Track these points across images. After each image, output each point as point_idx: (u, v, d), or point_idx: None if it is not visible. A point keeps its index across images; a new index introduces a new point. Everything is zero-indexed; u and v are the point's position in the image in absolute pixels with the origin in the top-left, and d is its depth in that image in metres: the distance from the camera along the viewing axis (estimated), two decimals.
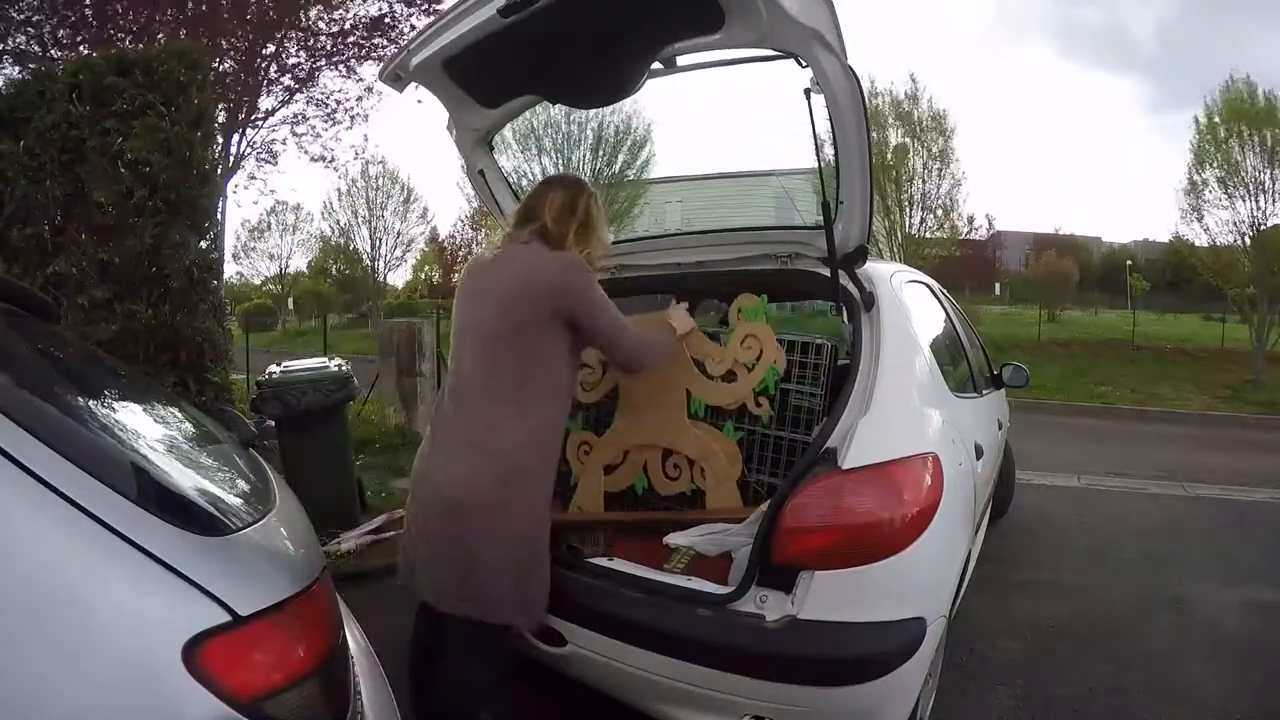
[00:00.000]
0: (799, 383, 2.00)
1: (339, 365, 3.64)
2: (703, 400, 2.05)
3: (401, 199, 26.03)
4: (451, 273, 29.20)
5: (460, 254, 28.82)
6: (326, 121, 10.23)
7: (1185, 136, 14.37)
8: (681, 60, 1.82)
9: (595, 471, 2.15)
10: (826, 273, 1.88)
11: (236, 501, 1.06)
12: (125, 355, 3.53)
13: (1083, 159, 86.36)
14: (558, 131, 16.62)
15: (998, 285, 27.97)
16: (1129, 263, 27.89)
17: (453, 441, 1.64)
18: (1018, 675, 2.38)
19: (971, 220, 19.64)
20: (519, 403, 1.58)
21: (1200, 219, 12.95)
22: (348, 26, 9.54)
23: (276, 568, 0.93)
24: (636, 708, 1.69)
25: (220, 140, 8.45)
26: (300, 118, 10.09)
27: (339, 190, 25.39)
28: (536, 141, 16.63)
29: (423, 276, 31.23)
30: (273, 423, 3.39)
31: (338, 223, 26.48)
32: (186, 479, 1.03)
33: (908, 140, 15.52)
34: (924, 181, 15.52)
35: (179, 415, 1.38)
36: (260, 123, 9.79)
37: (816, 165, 1.78)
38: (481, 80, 1.92)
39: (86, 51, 7.35)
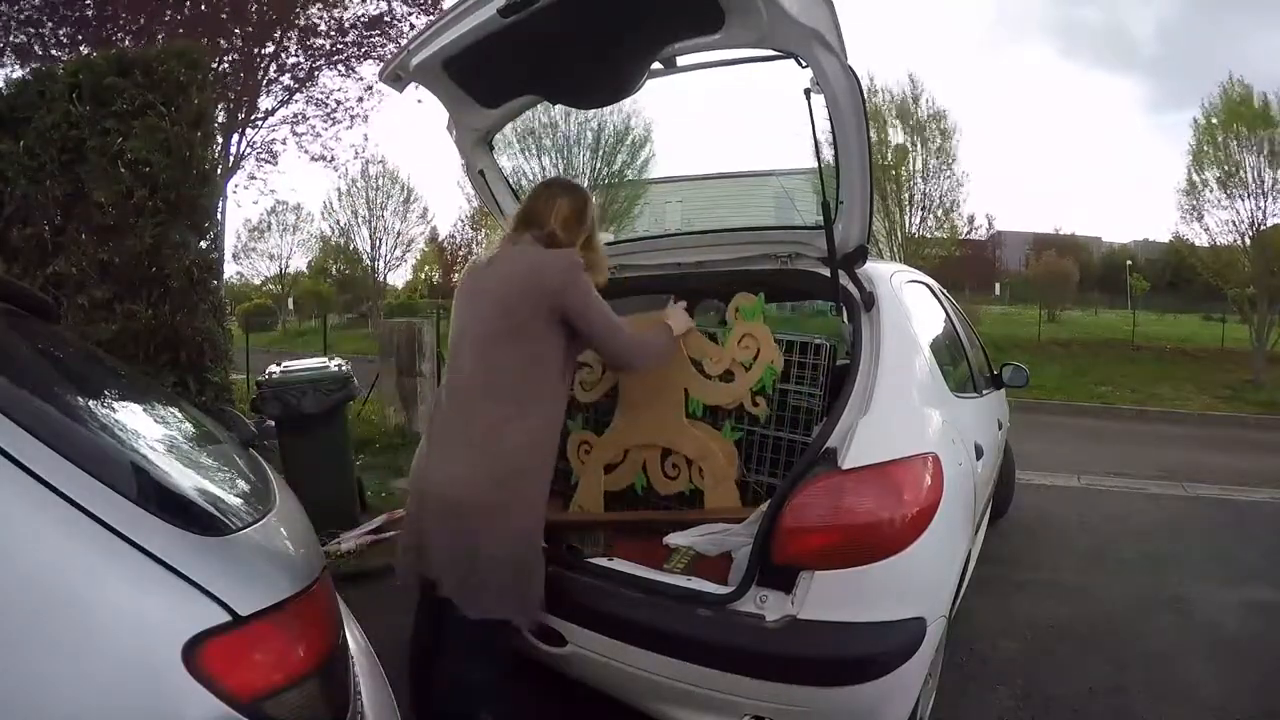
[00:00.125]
0: (798, 383, 2.00)
1: (339, 365, 3.65)
2: (700, 400, 2.05)
3: (401, 199, 26.02)
4: (451, 272, 29.19)
5: (460, 254, 28.81)
6: (326, 121, 10.25)
7: (1185, 137, 14.37)
8: (681, 60, 1.82)
9: (595, 471, 2.15)
10: (826, 273, 1.88)
11: (236, 501, 1.06)
12: (125, 355, 3.54)
13: (1083, 159, 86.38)
14: (557, 131, 16.62)
15: (998, 285, 27.96)
16: (1129, 263, 27.87)
17: (452, 442, 1.64)
18: (1018, 675, 2.38)
19: (971, 220, 19.65)
20: (519, 403, 1.59)
21: (1200, 219, 12.96)
22: (347, 25, 9.55)
23: (276, 568, 0.93)
24: (636, 708, 1.69)
25: (220, 140, 8.45)
26: (300, 117, 10.12)
27: (339, 190, 25.39)
28: (536, 141, 16.63)
29: (423, 276, 31.22)
30: (273, 423, 3.39)
31: (338, 223, 26.48)
32: (186, 479, 1.03)
33: (908, 140, 15.51)
34: (924, 181, 15.52)
35: (179, 415, 1.38)
36: (260, 123, 9.81)
37: (816, 165, 1.78)
38: (481, 80, 1.92)
39: (86, 51, 7.35)
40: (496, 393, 1.60)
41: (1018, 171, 69.66)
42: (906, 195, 15.41)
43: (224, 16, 8.44)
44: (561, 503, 2.16)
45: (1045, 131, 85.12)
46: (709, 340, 2.08)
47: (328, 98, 10.09)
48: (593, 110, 14.25)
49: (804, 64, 1.58)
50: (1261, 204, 12.14)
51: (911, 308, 2.06)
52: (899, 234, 15.40)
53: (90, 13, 8.08)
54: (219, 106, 8.08)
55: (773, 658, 1.45)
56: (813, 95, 1.61)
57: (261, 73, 9.41)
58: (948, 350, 2.49)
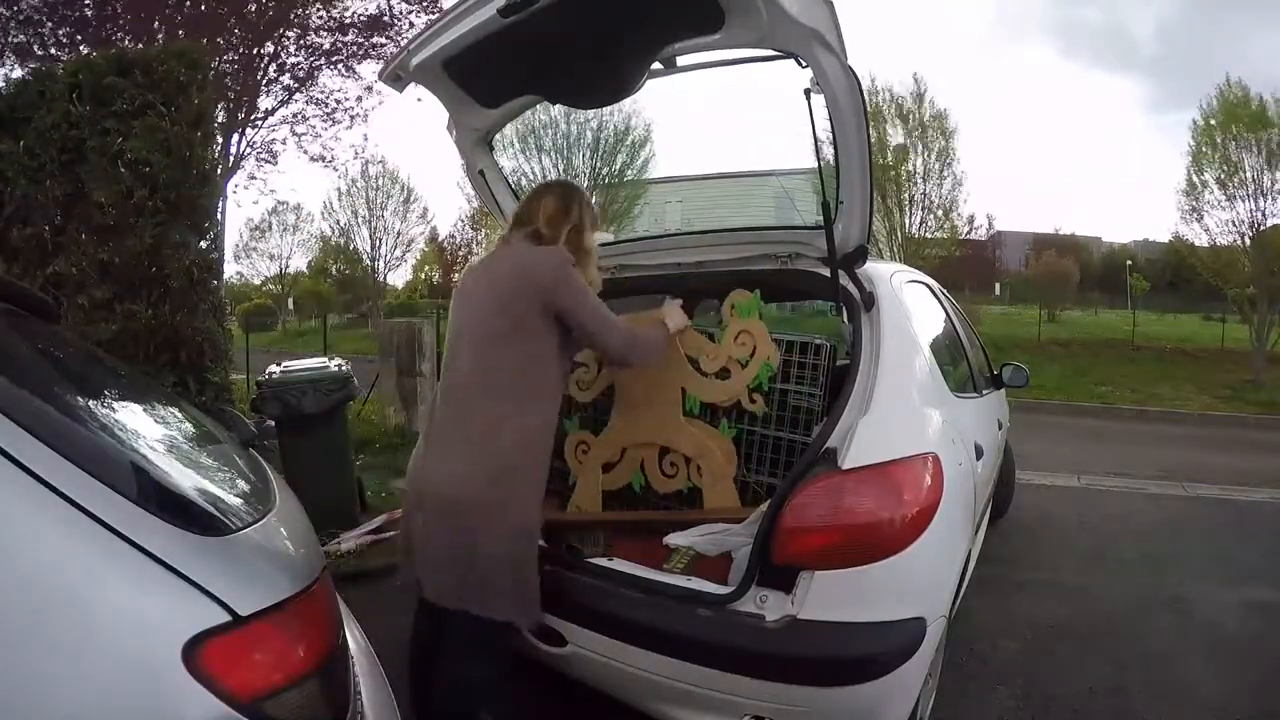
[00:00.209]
0: (798, 383, 2.00)
1: (339, 365, 3.65)
2: (697, 397, 2.05)
3: (401, 199, 26.02)
4: (451, 272, 29.18)
5: (460, 254, 28.80)
6: (326, 121, 10.25)
7: (1185, 137, 14.33)
8: (681, 60, 1.82)
9: (593, 470, 2.15)
10: (826, 273, 1.88)
11: (236, 501, 1.06)
12: (125, 355, 3.54)
13: (1083, 159, 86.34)
14: (557, 131, 16.62)
15: (998, 285, 27.95)
16: (1129, 263, 27.86)
17: (451, 440, 1.65)
18: (1018, 675, 2.38)
19: (971, 220, 19.61)
20: (517, 401, 1.60)
21: (1200, 219, 12.96)
22: (346, 24, 9.55)
23: (276, 568, 0.93)
24: (636, 708, 1.69)
25: (220, 140, 8.46)
26: (300, 117, 10.13)
27: (339, 190, 25.39)
28: (536, 141, 16.63)
29: (423, 276, 31.22)
30: (273, 423, 3.39)
31: (338, 223, 26.49)
32: (186, 479, 1.03)
33: (908, 140, 15.51)
34: (924, 181, 15.52)
35: (179, 415, 1.38)
36: (260, 122, 9.82)
37: (816, 165, 1.78)
38: (481, 80, 1.92)
39: (86, 51, 7.35)
40: (494, 391, 1.61)
41: (1018, 171, 69.72)
42: (906, 195, 15.41)
43: (223, 12, 8.43)
44: (559, 503, 2.16)
45: (1045, 131, 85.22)
46: (705, 338, 2.08)
47: (327, 98, 10.11)
48: (593, 110, 14.26)
49: (804, 64, 1.58)
50: (1261, 204, 12.16)
51: (911, 308, 2.06)
52: (899, 234, 15.40)
53: (90, 13, 8.08)
54: (219, 106, 8.09)
55: (773, 658, 1.45)
56: (813, 95, 1.61)
57: (261, 73, 9.42)
58: (948, 350, 2.49)
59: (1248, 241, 12.30)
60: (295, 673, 0.86)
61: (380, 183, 25.47)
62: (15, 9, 7.92)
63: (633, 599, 1.62)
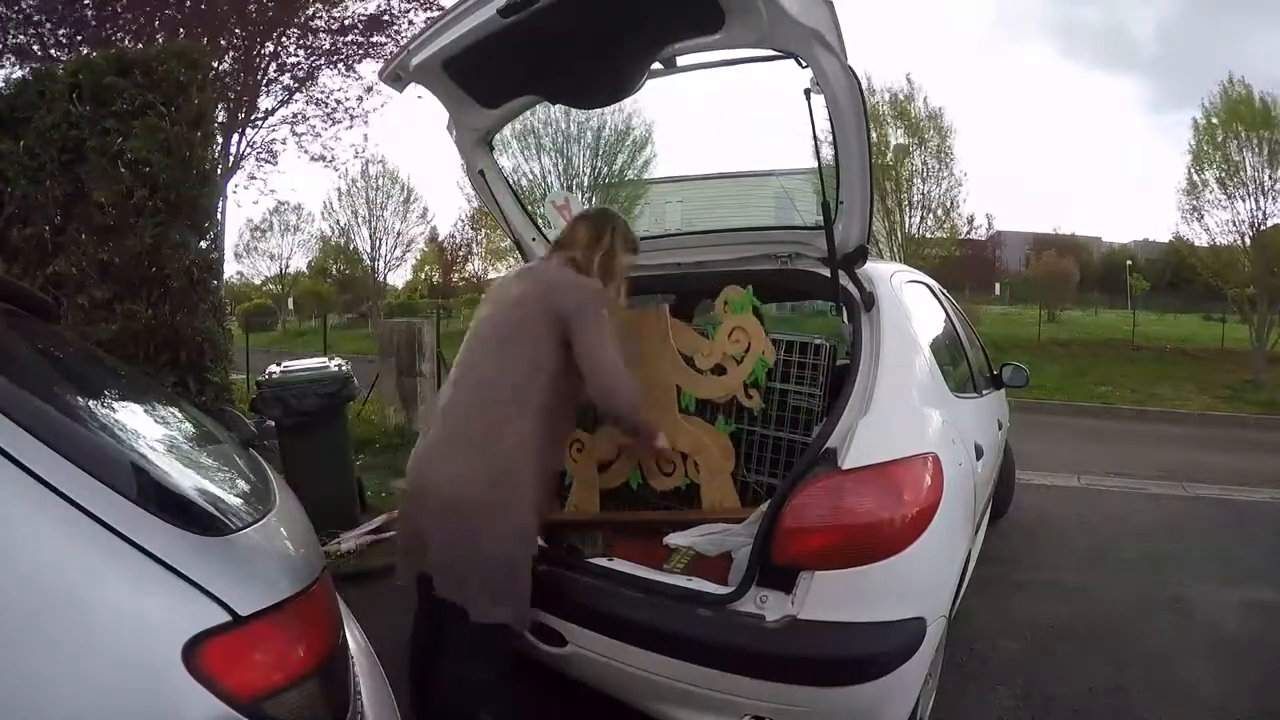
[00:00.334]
0: (798, 383, 2.00)
1: (339, 365, 3.65)
2: (692, 394, 2.05)
3: (401, 199, 26.04)
4: (451, 272, 29.19)
5: (460, 254, 28.80)
6: (326, 121, 10.24)
7: (1185, 137, 14.36)
8: (681, 60, 1.82)
9: (589, 469, 2.15)
10: (826, 273, 1.89)
11: (236, 501, 1.05)
12: (125, 355, 3.53)
13: (1083, 159, 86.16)
14: (558, 131, 16.62)
15: (998, 285, 27.93)
16: (1129, 263, 27.85)
17: (454, 439, 1.65)
18: (1018, 675, 2.38)
19: (971, 220, 19.59)
20: (518, 404, 1.61)
21: (1200, 219, 12.96)
22: (346, 24, 9.54)
23: (276, 568, 0.93)
24: (636, 708, 1.69)
25: (220, 140, 8.45)
26: (300, 117, 10.11)
27: (339, 190, 25.42)
28: (536, 140, 16.64)
29: (423, 276, 31.20)
30: (273, 423, 3.39)
31: (338, 223, 26.51)
32: (186, 479, 1.03)
33: (907, 140, 15.51)
34: (924, 181, 15.52)
35: (179, 415, 1.38)
36: (260, 122, 9.80)
37: (816, 165, 1.78)
38: (481, 80, 1.92)
39: (86, 51, 7.34)
40: (502, 395, 1.63)
41: (1018, 171, 69.60)
42: (906, 195, 15.40)
43: (223, 11, 8.42)
44: (557, 503, 2.16)
45: (1045, 131, 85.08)
46: (699, 335, 2.08)
47: (328, 98, 10.09)
48: (593, 110, 14.25)
49: (804, 64, 1.58)
50: (1261, 204, 12.15)
51: (911, 308, 2.06)
52: (899, 234, 15.40)
53: (90, 12, 8.08)
54: (219, 106, 8.09)
55: (773, 658, 1.45)
56: (813, 95, 1.61)
57: (261, 72, 9.40)
58: (948, 350, 2.49)
59: (1248, 241, 12.29)
60: (295, 673, 0.86)
61: (380, 183, 25.52)
62: (16, 9, 7.92)
63: (633, 599, 1.63)
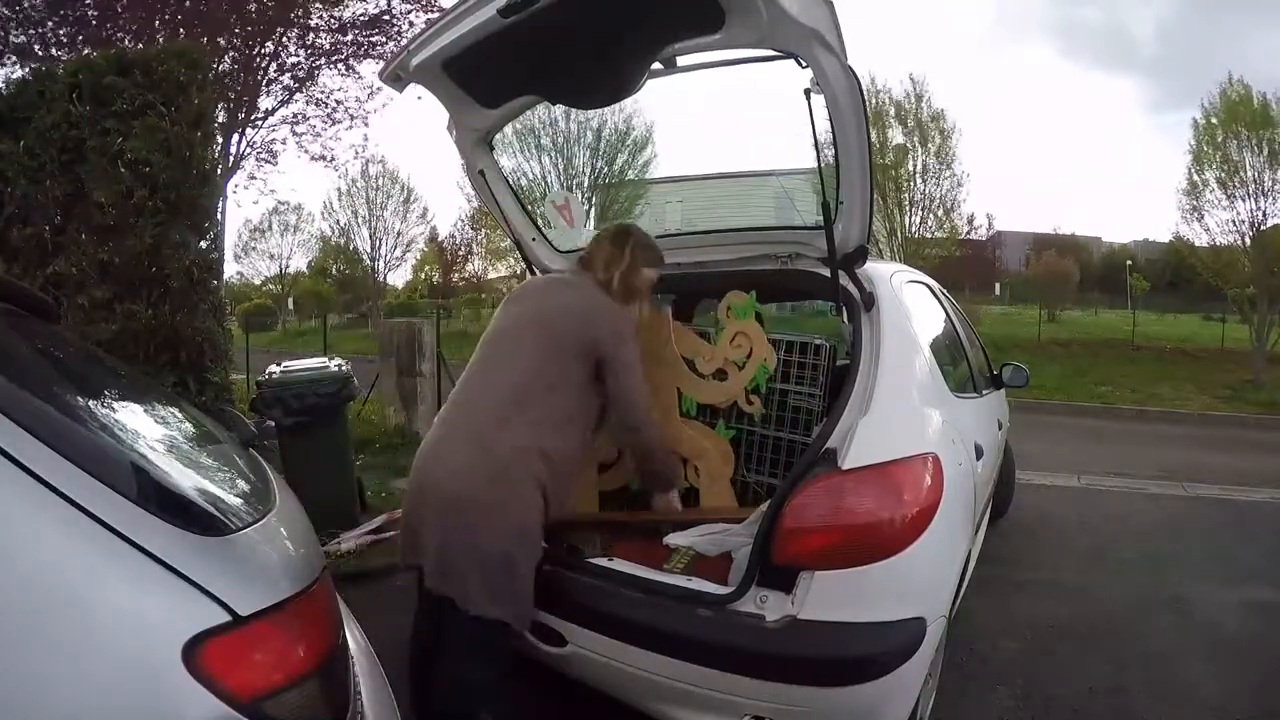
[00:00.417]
0: (798, 383, 2.00)
1: (339, 365, 3.65)
2: (694, 398, 2.05)
3: (401, 199, 26.02)
4: (451, 272, 29.19)
5: (460, 254, 28.80)
6: (326, 121, 10.24)
7: (1185, 136, 14.36)
8: (681, 60, 1.82)
9: (589, 470, 2.15)
10: (826, 273, 1.88)
11: (236, 501, 1.05)
12: (125, 355, 3.53)
13: (1083, 159, 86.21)
14: (558, 131, 16.63)
15: (998, 285, 27.92)
16: (1129, 263, 27.84)
17: (456, 437, 1.67)
18: (1018, 675, 2.38)
19: (971, 220, 19.62)
20: (520, 406, 1.63)
21: (1200, 219, 12.97)
22: (346, 24, 9.54)
23: (276, 568, 0.93)
24: (636, 708, 1.69)
25: (220, 140, 8.45)
26: (300, 117, 10.11)
27: (339, 190, 25.40)
28: (536, 141, 16.64)
29: (423, 276, 31.20)
30: (273, 423, 3.38)
31: (338, 223, 26.50)
32: (186, 479, 1.03)
33: (908, 140, 15.51)
34: (924, 182, 15.53)
35: (179, 415, 1.38)
36: (260, 122, 9.80)
37: (816, 165, 1.78)
38: (481, 80, 1.92)
39: (86, 51, 7.34)
40: (506, 396, 1.65)
41: (1018, 171, 69.59)
42: (906, 195, 15.41)
43: (223, 9, 8.41)
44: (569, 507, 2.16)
45: (1045, 131, 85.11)
46: (702, 339, 2.08)
47: (328, 98, 10.09)
48: (593, 110, 14.26)
49: (804, 64, 1.58)
50: (1261, 204, 12.15)
51: (911, 308, 2.06)
52: (899, 234, 15.40)
53: (91, 12, 8.08)
54: (219, 106, 8.08)
55: (773, 658, 1.45)
56: (813, 95, 1.61)
57: (261, 72, 9.40)
58: (948, 350, 2.49)
59: (1248, 241, 12.30)
60: (295, 673, 0.86)
61: (380, 183, 25.51)
62: (17, 9, 7.92)
63: (633, 599, 1.63)
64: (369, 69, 9.76)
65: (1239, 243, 12.49)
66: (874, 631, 1.45)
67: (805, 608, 1.46)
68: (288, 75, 9.71)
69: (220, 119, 8.34)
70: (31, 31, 8.07)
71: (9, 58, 7.98)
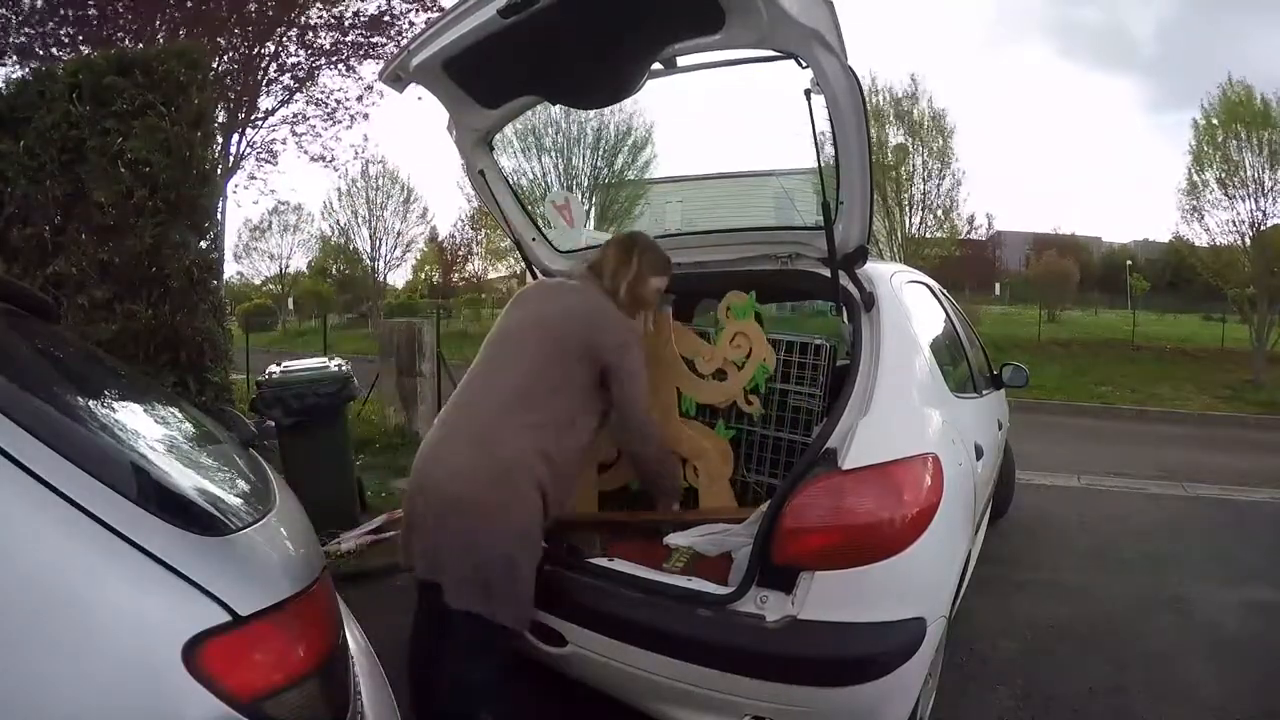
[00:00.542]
0: (798, 383, 2.00)
1: (339, 365, 3.65)
2: (693, 399, 2.05)
3: (401, 199, 26.02)
4: (451, 272, 29.20)
5: (460, 254, 28.81)
6: (326, 121, 10.25)
7: (1185, 136, 14.37)
8: (682, 61, 1.82)
9: (589, 470, 2.15)
10: (826, 273, 1.88)
11: (236, 501, 1.05)
12: (125, 355, 3.53)
13: (1083, 159, 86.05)
14: (558, 131, 16.63)
15: (998, 285, 27.92)
16: (1129, 263, 27.83)
17: (457, 438, 1.67)
18: (1018, 675, 2.38)
19: (971, 220, 19.62)
20: (525, 410, 1.63)
21: (1200, 219, 12.96)
22: (346, 24, 9.54)
23: (276, 568, 0.93)
24: (636, 708, 1.69)
25: (220, 140, 8.45)
26: (300, 117, 10.12)
27: (339, 190, 25.39)
28: (536, 140, 16.64)
29: (423, 276, 31.20)
30: (273, 423, 3.39)
31: (338, 223, 26.50)
32: (186, 479, 1.03)
33: (908, 140, 15.51)
34: (924, 181, 15.53)
35: (179, 415, 1.38)
36: (260, 123, 9.80)
37: (816, 165, 1.78)
38: (481, 81, 1.92)
39: (87, 51, 7.34)
40: (508, 399, 1.65)
41: (1018, 171, 69.53)
42: (906, 195, 15.41)
43: (223, 9, 8.42)
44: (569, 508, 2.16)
45: (1045, 131, 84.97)
46: (702, 339, 2.08)
47: (328, 97, 10.10)
48: (593, 110, 14.26)
49: (804, 64, 1.58)
50: (1261, 204, 12.15)
51: (911, 308, 2.06)
52: (899, 234, 15.40)
53: (91, 12, 8.08)
54: (219, 106, 8.08)
55: (773, 658, 1.45)
56: (813, 95, 1.61)
57: (261, 73, 9.40)
58: (948, 350, 2.49)
59: (1248, 241, 12.29)
60: (295, 673, 0.86)
61: (380, 183, 25.50)
62: (18, 9, 7.92)
63: (633, 599, 1.63)
64: (369, 69, 9.78)
65: (1239, 243, 12.48)
66: (874, 632, 1.45)
67: (805, 608, 1.46)
68: (288, 75, 9.72)
69: (220, 119, 8.35)
70: (32, 31, 8.07)
71: (9, 58, 7.98)
